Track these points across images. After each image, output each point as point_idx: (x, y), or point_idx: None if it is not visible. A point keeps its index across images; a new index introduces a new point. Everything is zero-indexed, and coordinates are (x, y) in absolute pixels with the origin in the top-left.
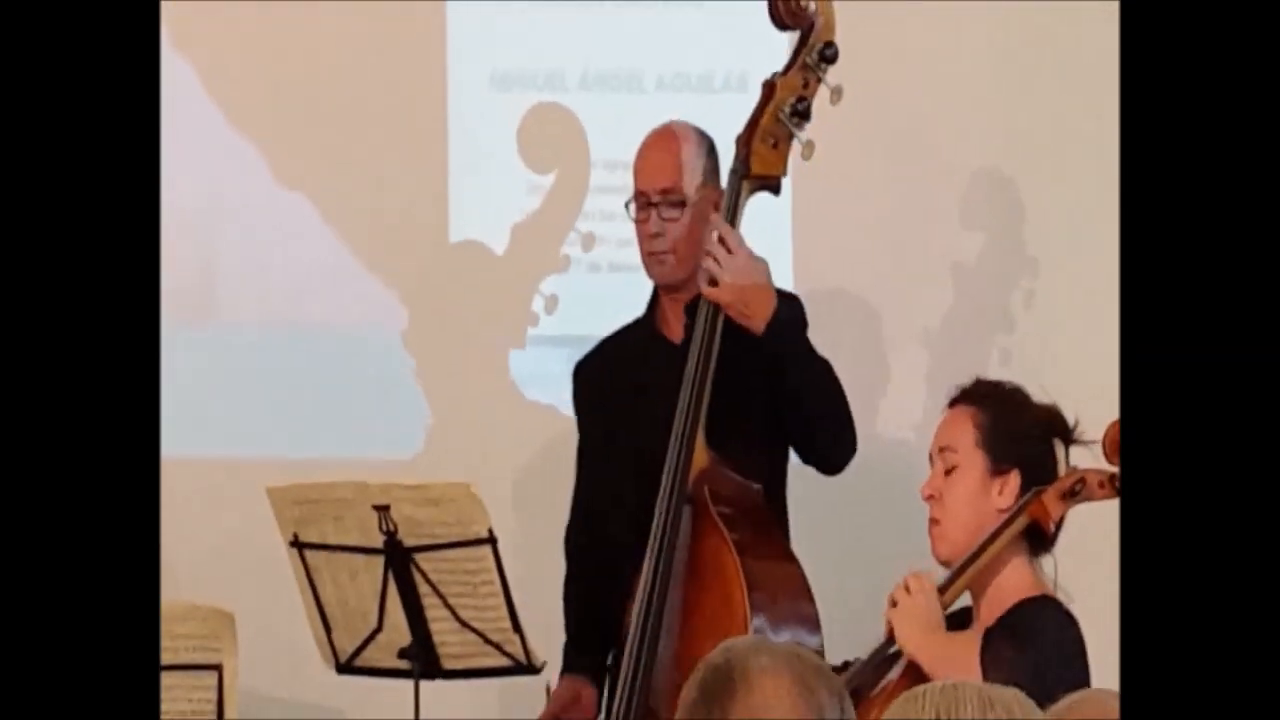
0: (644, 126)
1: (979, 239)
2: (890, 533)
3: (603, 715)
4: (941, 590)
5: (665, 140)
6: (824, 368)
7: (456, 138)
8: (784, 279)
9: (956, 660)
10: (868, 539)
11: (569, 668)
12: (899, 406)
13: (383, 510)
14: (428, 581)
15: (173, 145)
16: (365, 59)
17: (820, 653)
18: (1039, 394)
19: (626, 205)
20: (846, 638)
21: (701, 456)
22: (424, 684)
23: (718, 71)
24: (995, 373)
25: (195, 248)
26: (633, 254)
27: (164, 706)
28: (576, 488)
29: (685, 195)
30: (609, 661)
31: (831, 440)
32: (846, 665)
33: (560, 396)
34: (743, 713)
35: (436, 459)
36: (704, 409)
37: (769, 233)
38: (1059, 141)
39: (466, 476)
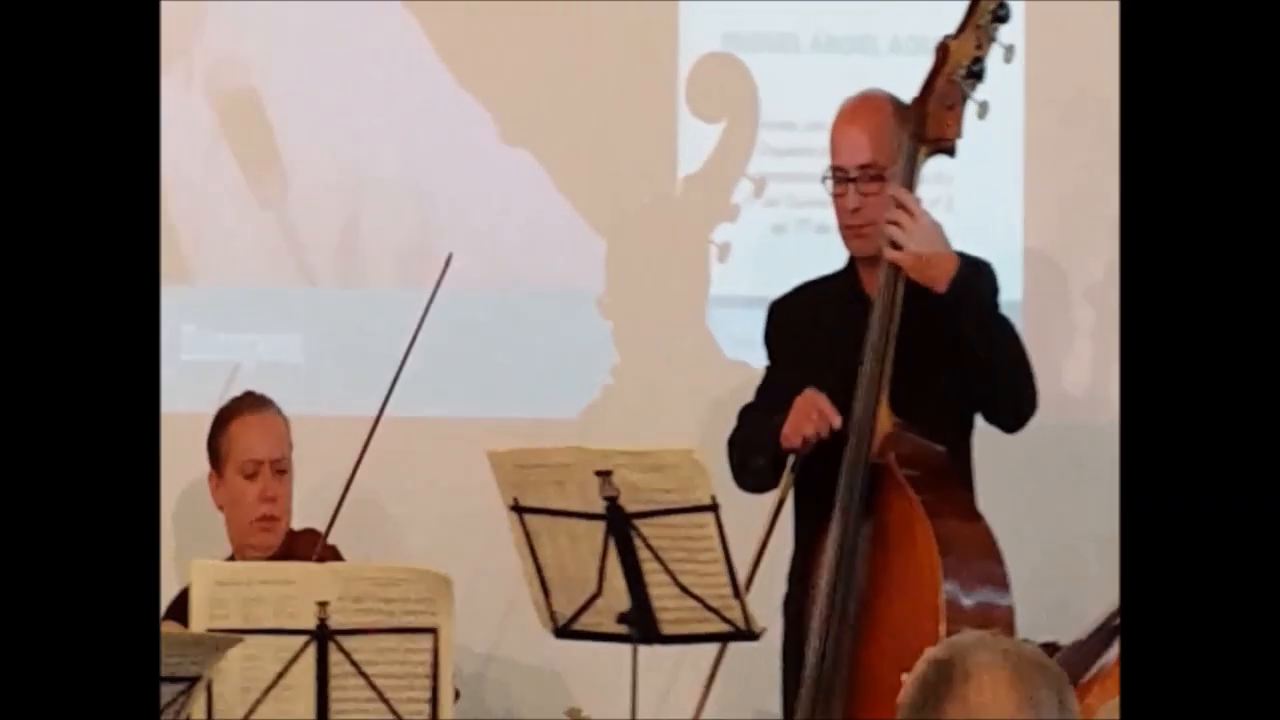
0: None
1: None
2: (1066, 489)
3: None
4: None
5: (862, 113)
6: (1006, 326)
7: (687, 98)
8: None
9: None
10: (1045, 495)
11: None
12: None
13: (604, 475)
14: (648, 547)
15: (401, 105)
16: (596, 17)
17: (1010, 610)
18: None
19: (824, 179)
20: (1029, 596)
21: (886, 421)
22: (642, 649)
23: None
24: None
25: (416, 208)
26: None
27: (380, 669)
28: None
29: (884, 168)
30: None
31: (1014, 397)
32: (1051, 646)
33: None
34: (960, 708)
35: (644, 418)
36: (888, 374)
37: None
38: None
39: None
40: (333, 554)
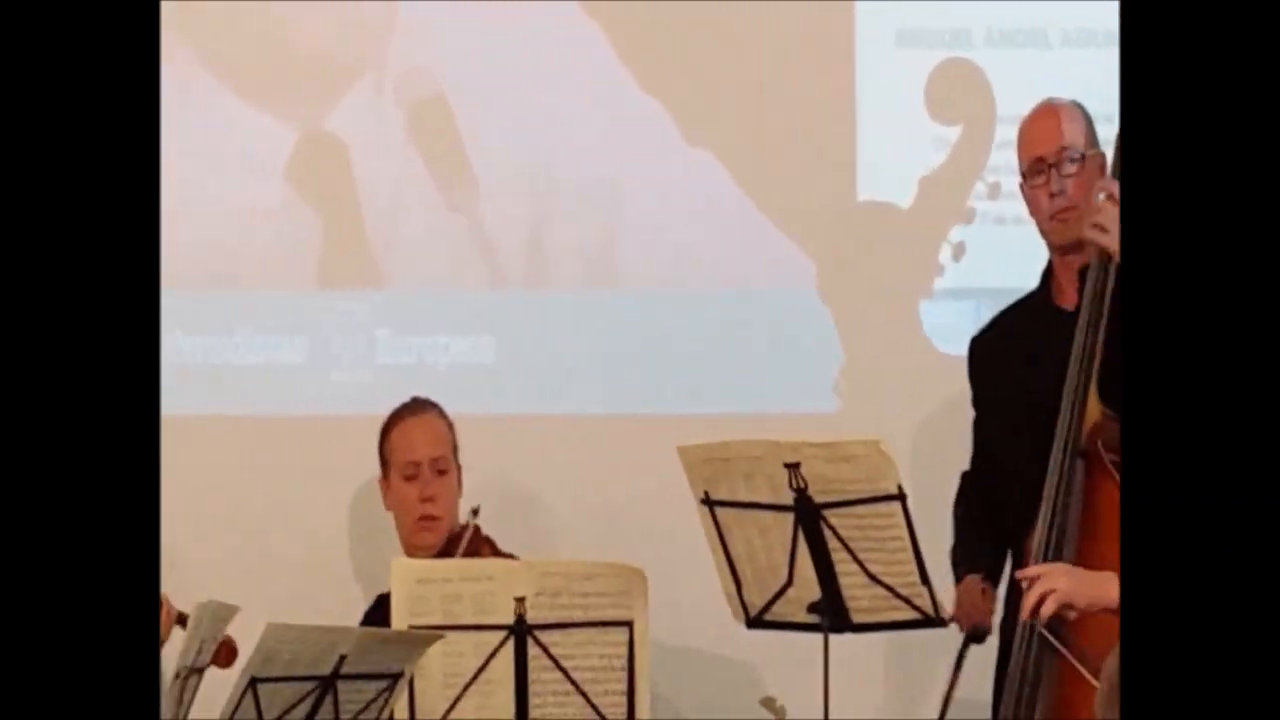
0: (1049, 81)
1: None
2: None
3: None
4: None
5: (1047, 110)
6: None
7: (864, 95)
8: None
9: None
10: None
11: (963, 571)
12: None
13: (793, 468)
14: (837, 537)
15: (585, 110)
16: (774, 18)
17: None
18: None
19: (1021, 181)
20: None
21: (1094, 410)
22: (833, 637)
23: None
24: None
25: (601, 210)
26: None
27: (577, 662)
28: (974, 453)
29: (1081, 149)
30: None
31: None
32: None
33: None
34: None
35: (847, 413)
36: (1096, 364)
37: None
38: None
39: (877, 429)
40: (490, 547)
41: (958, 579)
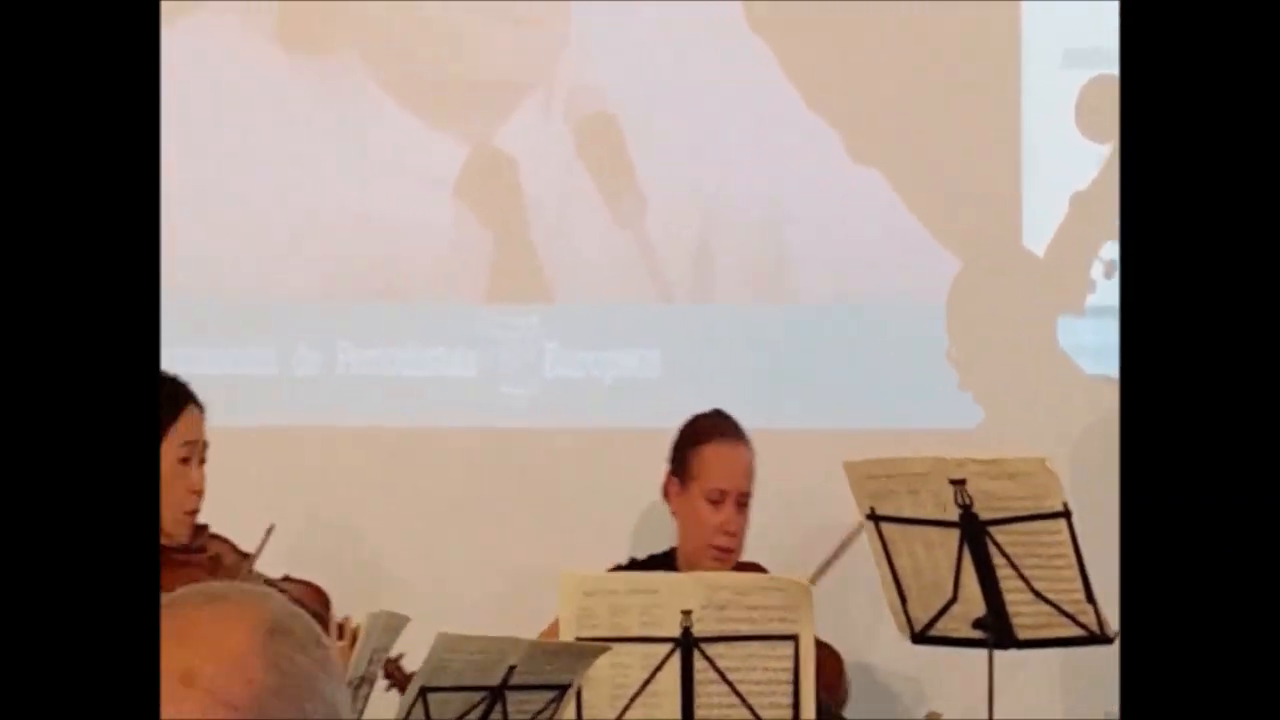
0: None
1: None
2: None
3: None
4: None
5: None
6: None
7: (1029, 115)
8: None
9: None
10: None
11: None
12: None
13: (958, 484)
14: (1002, 554)
15: (751, 126)
16: (939, 36)
17: None
18: None
19: None
20: None
21: None
22: (998, 654)
23: None
24: None
25: (767, 225)
26: None
27: (742, 675)
28: None
29: None
30: None
31: None
32: None
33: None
34: None
35: (996, 430)
36: None
37: None
38: None
39: (1026, 448)
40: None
41: None
